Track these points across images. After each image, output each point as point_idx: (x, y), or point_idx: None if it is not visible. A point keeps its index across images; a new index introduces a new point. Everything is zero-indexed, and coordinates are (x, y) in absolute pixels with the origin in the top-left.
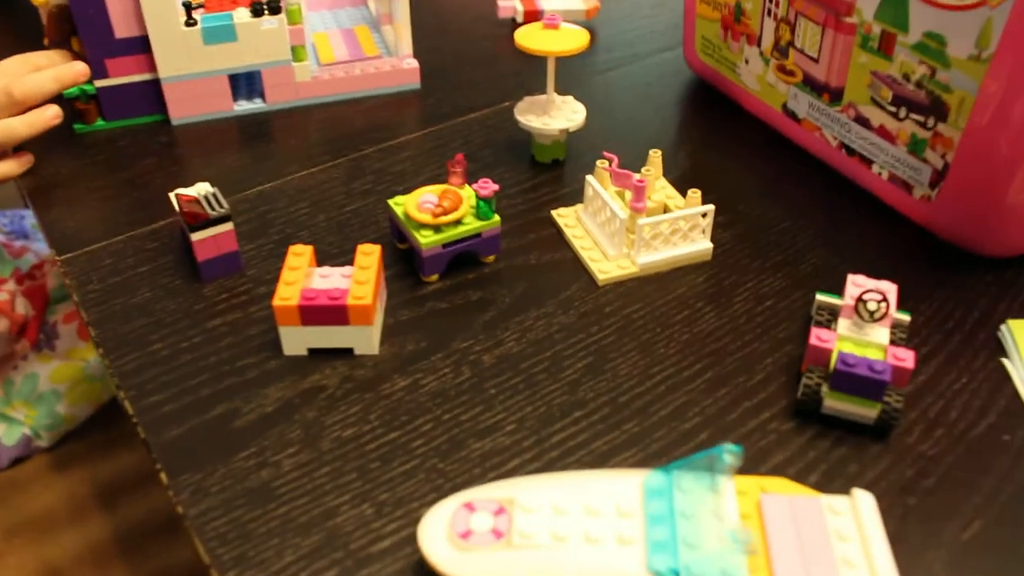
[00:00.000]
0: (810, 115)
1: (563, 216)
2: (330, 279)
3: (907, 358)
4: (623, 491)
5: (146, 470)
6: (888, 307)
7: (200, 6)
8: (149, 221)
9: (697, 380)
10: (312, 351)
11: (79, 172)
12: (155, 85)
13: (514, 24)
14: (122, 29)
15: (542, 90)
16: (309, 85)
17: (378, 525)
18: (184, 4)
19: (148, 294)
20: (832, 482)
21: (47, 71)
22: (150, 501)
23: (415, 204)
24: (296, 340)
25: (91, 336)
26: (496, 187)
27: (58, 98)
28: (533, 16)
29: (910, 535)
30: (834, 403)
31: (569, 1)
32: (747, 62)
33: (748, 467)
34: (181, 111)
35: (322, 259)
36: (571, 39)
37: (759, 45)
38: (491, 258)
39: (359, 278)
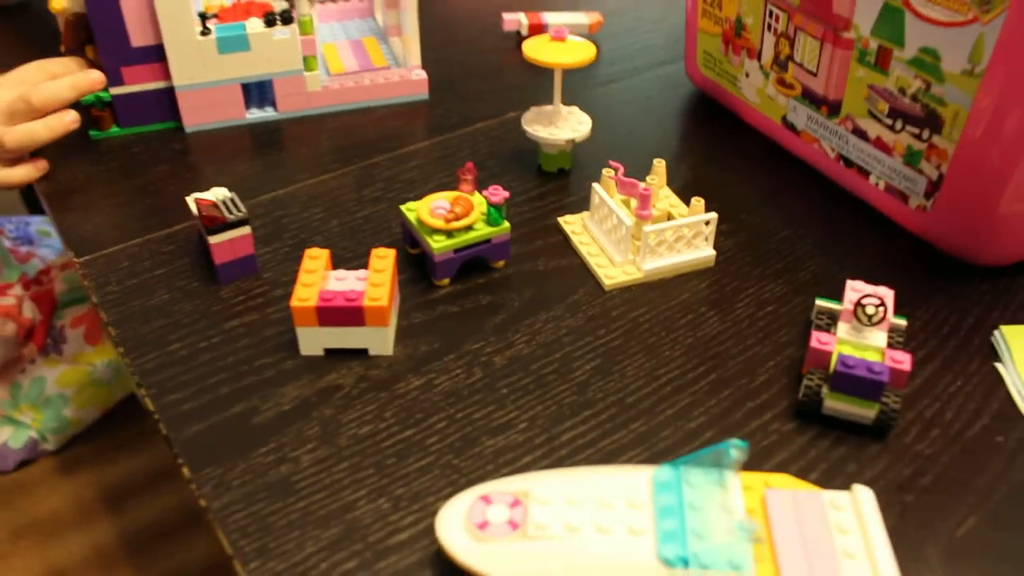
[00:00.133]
0: (809, 127)
1: (570, 223)
2: (345, 282)
3: (904, 360)
4: (633, 485)
5: (152, 473)
6: (886, 311)
7: (214, 16)
8: (164, 225)
9: (701, 382)
10: (328, 351)
11: (95, 178)
12: (169, 93)
13: (518, 37)
14: (138, 38)
15: (546, 101)
16: (320, 94)
17: (395, 518)
18: (199, 14)
19: (166, 296)
20: (832, 480)
21: (65, 79)
22: (156, 504)
23: (428, 210)
24: (313, 340)
25: (111, 336)
26: (506, 194)
27: (74, 104)
28: (537, 29)
29: (908, 531)
30: (834, 404)
31: (573, 15)
32: (747, 75)
33: (751, 465)
34: (194, 119)
35: (336, 263)
36: (578, 52)
37: (759, 59)
38: (500, 263)
39: (374, 280)
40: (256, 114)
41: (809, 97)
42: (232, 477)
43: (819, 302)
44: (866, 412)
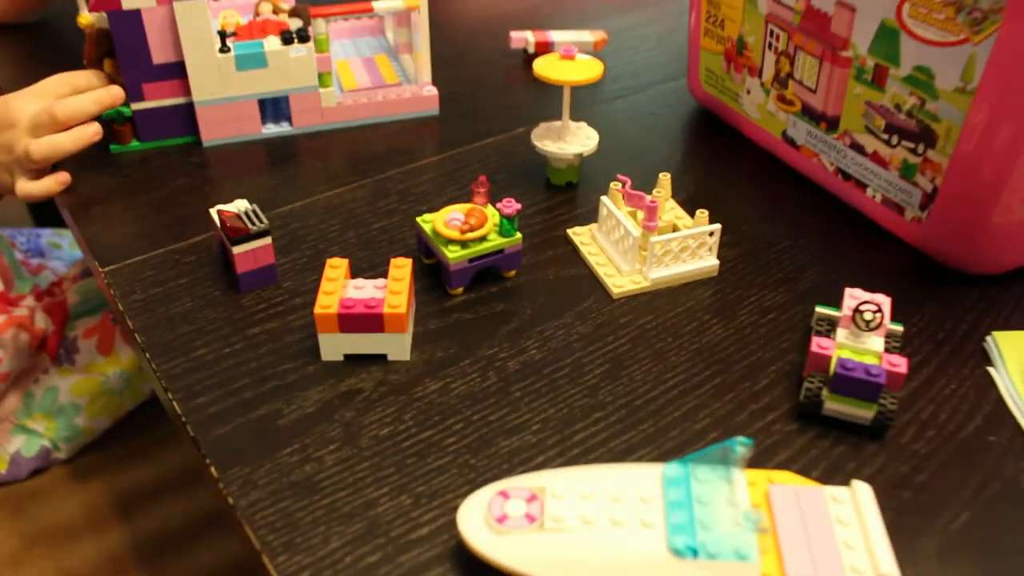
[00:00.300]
0: (808, 142)
1: (579, 234)
2: (364, 290)
3: (901, 364)
4: (644, 480)
5: (162, 481)
6: (883, 317)
7: (233, 34)
8: (186, 236)
9: (706, 385)
10: (348, 357)
11: (116, 190)
12: (188, 108)
13: (526, 55)
14: (159, 55)
15: (554, 117)
16: (334, 110)
17: (416, 514)
18: (218, 32)
19: (189, 304)
20: (832, 477)
21: (88, 94)
22: (166, 511)
23: (443, 221)
24: (334, 346)
25: (137, 342)
26: (519, 206)
27: (96, 118)
28: (544, 47)
29: (904, 525)
30: (834, 405)
31: (578, 33)
32: (749, 92)
33: (755, 463)
34: (213, 133)
35: (353, 273)
36: (587, 69)
37: (760, 76)
38: (512, 273)
39: (393, 288)
40: (272, 129)
41: (808, 113)
42: (258, 476)
43: (819, 309)
44: (864, 413)
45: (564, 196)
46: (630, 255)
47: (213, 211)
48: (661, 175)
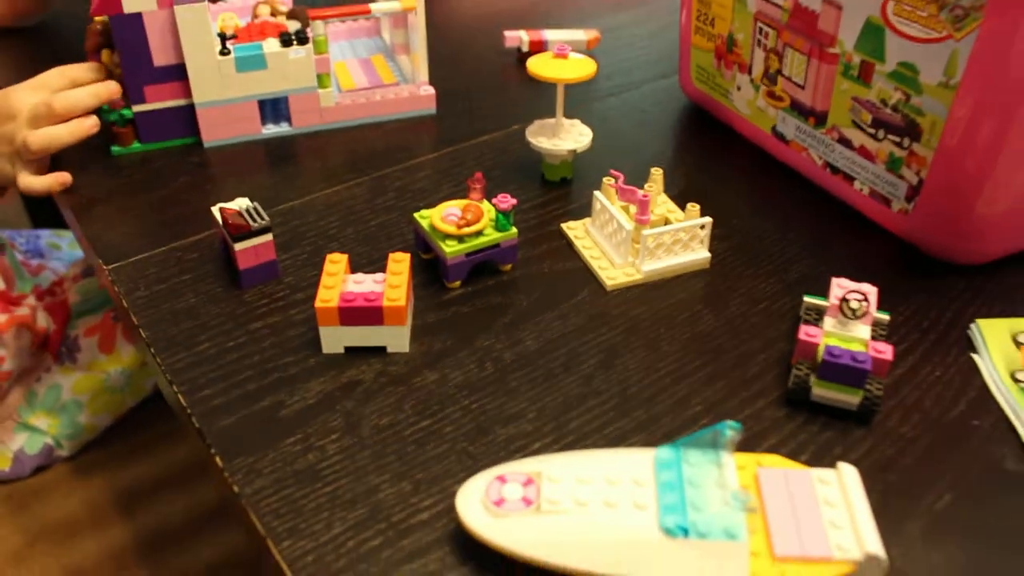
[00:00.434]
0: (797, 137)
1: (573, 229)
2: (364, 284)
3: (886, 351)
4: (637, 464)
5: (163, 477)
6: (869, 306)
7: (233, 37)
8: (188, 234)
9: (698, 373)
10: (348, 349)
11: (118, 190)
12: (189, 110)
13: (519, 54)
14: (160, 58)
15: (547, 115)
16: (333, 110)
17: (416, 500)
18: (219, 35)
19: (192, 300)
20: (820, 461)
21: (86, 87)
22: (168, 507)
23: (440, 217)
24: (334, 339)
25: (142, 337)
26: (514, 201)
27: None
28: (538, 46)
29: (890, 507)
30: (821, 391)
31: (572, 32)
32: (739, 88)
33: (745, 448)
34: (213, 134)
35: (352, 269)
36: (580, 68)
37: (750, 73)
38: (508, 267)
39: (392, 282)
40: (272, 129)
41: (797, 109)
42: (262, 465)
43: (807, 299)
44: (851, 398)
45: (559, 192)
46: (623, 248)
47: (215, 209)
48: (653, 170)
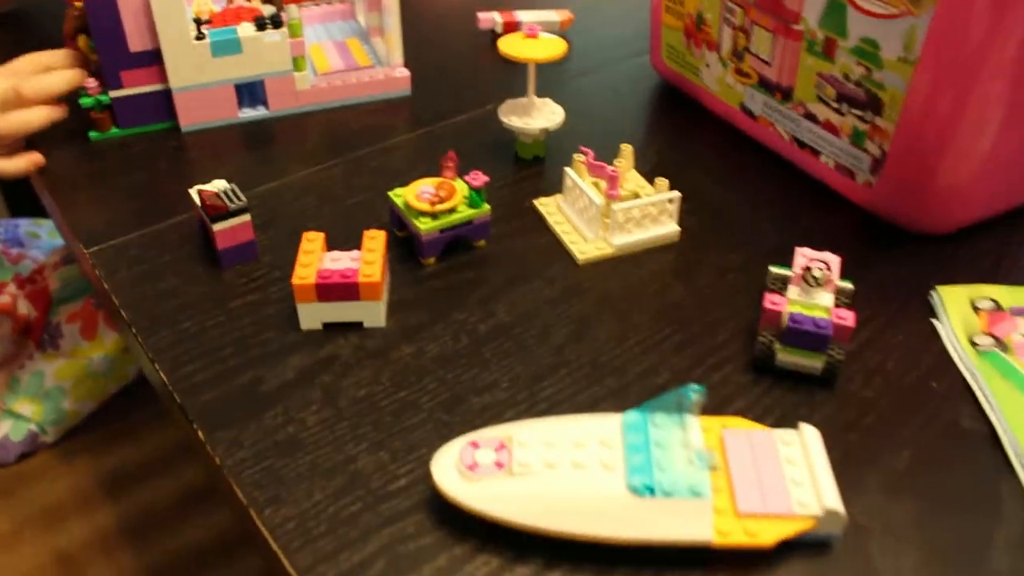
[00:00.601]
0: (765, 112)
1: (545, 205)
2: (340, 261)
3: (848, 317)
4: (605, 427)
5: (147, 461)
6: (831, 274)
7: (208, 21)
8: (167, 217)
9: (667, 342)
10: (326, 325)
11: (97, 175)
12: (166, 95)
13: (493, 35)
14: (136, 44)
15: (521, 94)
16: (308, 93)
17: (394, 467)
18: (194, 20)
19: (173, 280)
20: (785, 423)
21: (56, 74)
22: (153, 491)
23: (414, 195)
24: (312, 315)
25: (123, 318)
26: (486, 179)
27: (73, 108)
28: (511, 27)
29: (851, 464)
30: (786, 357)
31: (545, 13)
32: (708, 66)
33: (711, 413)
34: (190, 118)
35: (329, 247)
36: (550, 47)
37: (719, 51)
38: (482, 242)
39: (367, 259)
40: (249, 113)
41: (764, 85)
42: (243, 438)
43: (772, 269)
44: (814, 363)
45: (532, 170)
46: (594, 223)
47: (193, 191)
48: (623, 146)
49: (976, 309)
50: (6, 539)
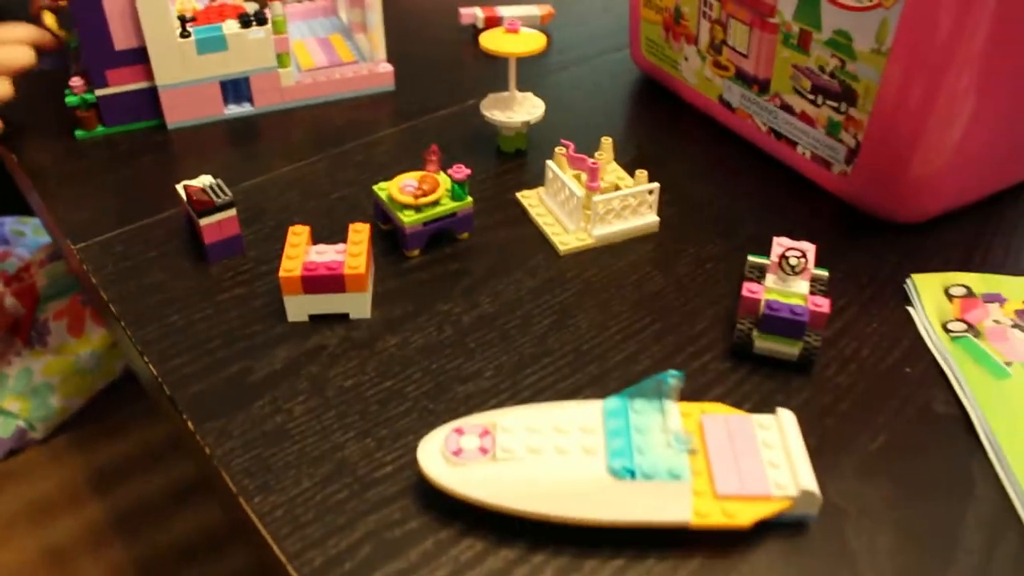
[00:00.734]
0: (743, 104)
1: (527, 197)
2: (326, 254)
3: (824, 304)
4: (586, 413)
5: (136, 457)
6: (807, 262)
7: (192, 19)
8: (153, 213)
9: (647, 331)
10: (312, 317)
11: (83, 172)
12: (151, 93)
13: (475, 30)
14: (121, 42)
15: (503, 88)
16: (293, 89)
17: (380, 455)
18: (179, 18)
19: (160, 275)
20: (762, 409)
21: (9, 47)
22: (142, 486)
23: (398, 188)
24: (298, 307)
25: (112, 312)
26: (468, 172)
27: (59, 107)
28: (493, 22)
29: (827, 448)
30: (763, 343)
31: (526, 8)
32: (687, 59)
33: (691, 399)
34: (176, 116)
35: (314, 240)
36: (530, 42)
37: (697, 44)
38: (465, 235)
39: (352, 251)
40: (234, 110)
41: (742, 77)
42: (232, 428)
43: (751, 258)
44: (791, 349)
45: (513, 163)
46: (575, 214)
47: (179, 186)
48: (603, 139)
49: (949, 296)
50: None
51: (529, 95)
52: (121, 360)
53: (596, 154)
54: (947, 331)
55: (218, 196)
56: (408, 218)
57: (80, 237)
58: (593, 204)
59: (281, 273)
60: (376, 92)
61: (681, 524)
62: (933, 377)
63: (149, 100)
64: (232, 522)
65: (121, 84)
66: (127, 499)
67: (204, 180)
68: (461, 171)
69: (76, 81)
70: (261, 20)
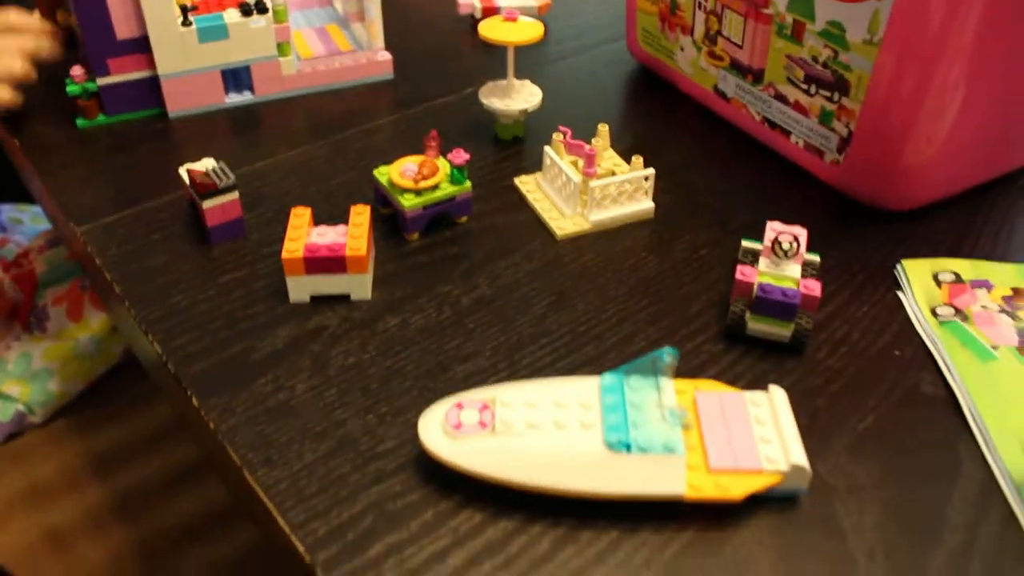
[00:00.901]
0: (737, 94)
1: (524, 183)
2: (327, 236)
3: (815, 287)
4: (584, 389)
5: (135, 441)
6: (799, 246)
7: (194, 8)
8: (156, 197)
9: (643, 313)
10: (314, 299)
11: (86, 158)
12: (153, 81)
13: (473, 20)
14: (123, 31)
15: (501, 77)
16: (293, 78)
17: (381, 431)
18: (180, 6)
19: (163, 257)
20: (755, 388)
21: (21, 36)
22: (143, 469)
23: (398, 172)
24: (300, 288)
25: (116, 293)
26: (467, 156)
27: (62, 96)
28: (491, 12)
29: (818, 427)
30: (756, 325)
31: None
32: (682, 50)
33: (686, 378)
34: (178, 104)
35: (316, 223)
36: (528, 30)
37: (692, 34)
38: (464, 219)
39: (354, 233)
40: (235, 98)
41: (736, 67)
42: (236, 404)
43: (744, 243)
44: (783, 331)
45: (511, 150)
46: (572, 200)
47: (182, 169)
48: (600, 125)
49: (938, 282)
50: None
51: (527, 83)
52: (120, 345)
53: (593, 140)
54: (936, 315)
55: (221, 179)
56: (408, 202)
57: (83, 220)
58: (590, 190)
59: (284, 254)
60: (375, 81)
61: (675, 497)
62: (922, 360)
63: (150, 89)
64: (235, 498)
65: (123, 73)
66: (127, 482)
67: (207, 163)
68: (460, 155)
69: (77, 70)
70: (262, 9)
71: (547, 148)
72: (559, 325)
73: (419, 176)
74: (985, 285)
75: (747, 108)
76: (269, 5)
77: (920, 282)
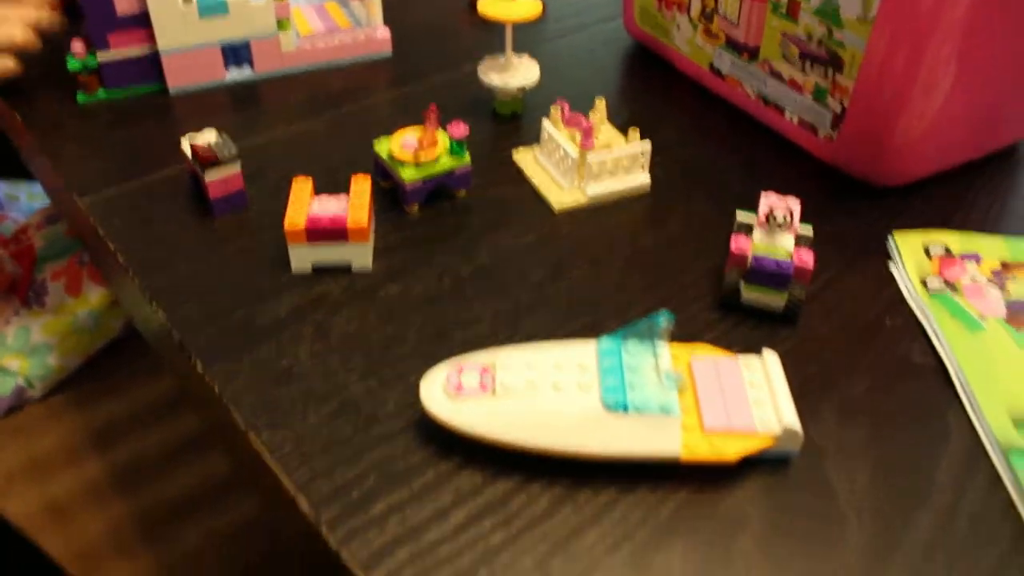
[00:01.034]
0: (733, 72)
1: (522, 158)
2: (328, 205)
3: (808, 258)
4: (582, 352)
5: (135, 414)
6: (793, 218)
7: None
8: (158, 170)
9: (639, 283)
10: (316, 268)
11: (87, 133)
12: (153, 57)
13: None
14: (124, 6)
15: (499, 55)
16: (293, 54)
17: (383, 394)
18: None
19: (166, 228)
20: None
21: (26, 8)
22: (142, 442)
23: (398, 145)
24: (303, 257)
25: (120, 263)
26: (466, 129)
27: (62, 71)
28: None
29: (809, 393)
30: (750, 294)
31: None
32: (679, 28)
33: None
34: (178, 80)
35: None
36: (527, 7)
37: (688, 13)
38: (463, 192)
39: (355, 203)
40: (235, 74)
41: (732, 45)
42: (240, 369)
43: (739, 213)
44: (777, 300)
45: (509, 126)
46: (569, 173)
47: (184, 139)
48: (597, 99)
49: (929, 254)
50: None
51: (525, 59)
52: (119, 319)
53: (590, 114)
54: (926, 287)
55: (223, 151)
56: (408, 174)
57: (86, 192)
58: (587, 163)
59: (286, 224)
60: (374, 58)
61: (671, 457)
62: (912, 330)
63: (150, 64)
64: (238, 464)
65: (123, 48)
66: (127, 455)
67: (209, 135)
68: (459, 128)
69: (77, 46)
70: None
71: (545, 121)
72: (557, 294)
73: (419, 146)
74: (974, 258)
75: (742, 85)
76: None
77: (911, 254)
